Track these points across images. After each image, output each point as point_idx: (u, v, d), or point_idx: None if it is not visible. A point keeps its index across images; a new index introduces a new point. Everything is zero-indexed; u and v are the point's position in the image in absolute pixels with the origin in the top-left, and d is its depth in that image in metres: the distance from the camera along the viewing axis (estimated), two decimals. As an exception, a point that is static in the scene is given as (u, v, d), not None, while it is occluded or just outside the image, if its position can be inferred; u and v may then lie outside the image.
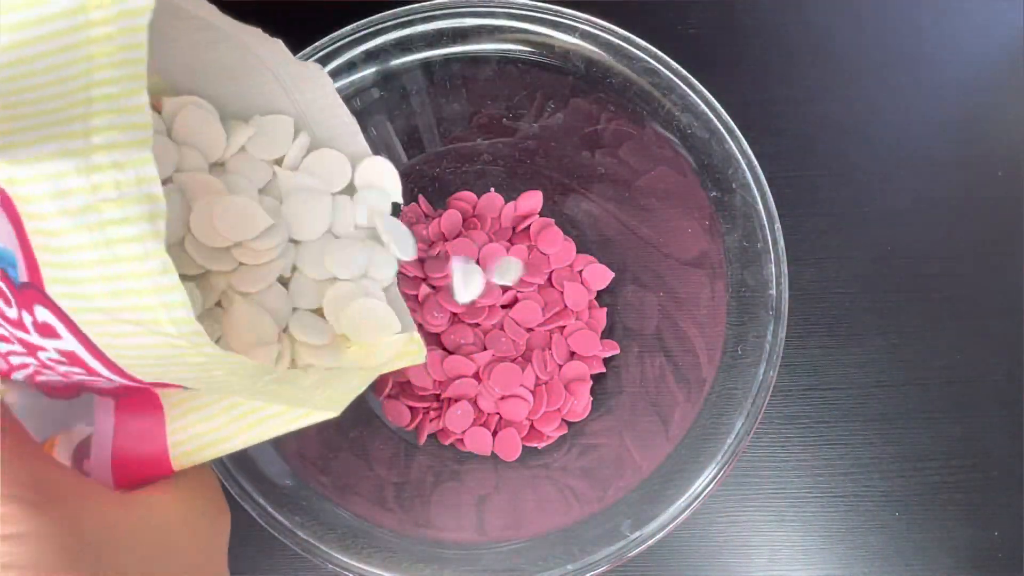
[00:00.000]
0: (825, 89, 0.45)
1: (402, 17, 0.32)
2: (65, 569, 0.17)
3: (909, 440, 0.40)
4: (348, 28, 0.31)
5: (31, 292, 0.16)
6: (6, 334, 0.18)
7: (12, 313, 0.17)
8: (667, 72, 0.31)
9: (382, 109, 0.35)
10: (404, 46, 0.32)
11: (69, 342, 0.17)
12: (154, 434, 0.21)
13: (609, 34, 0.32)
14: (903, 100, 0.45)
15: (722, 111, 0.31)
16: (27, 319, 0.17)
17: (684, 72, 0.31)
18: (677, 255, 0.36)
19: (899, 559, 0.39)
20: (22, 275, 0.16)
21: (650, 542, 0.28)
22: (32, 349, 0.18)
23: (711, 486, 0.29)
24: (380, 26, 0.32)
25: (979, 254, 0.42)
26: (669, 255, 0.36)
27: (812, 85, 0.45)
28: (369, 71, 0.32)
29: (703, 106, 0.31)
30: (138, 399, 0.20)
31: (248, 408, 0.20)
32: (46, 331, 0.17)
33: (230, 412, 0.20)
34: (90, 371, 0.18)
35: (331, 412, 0.20)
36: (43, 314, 0.17)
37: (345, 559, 0.28)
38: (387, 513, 0.31)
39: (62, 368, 0.18)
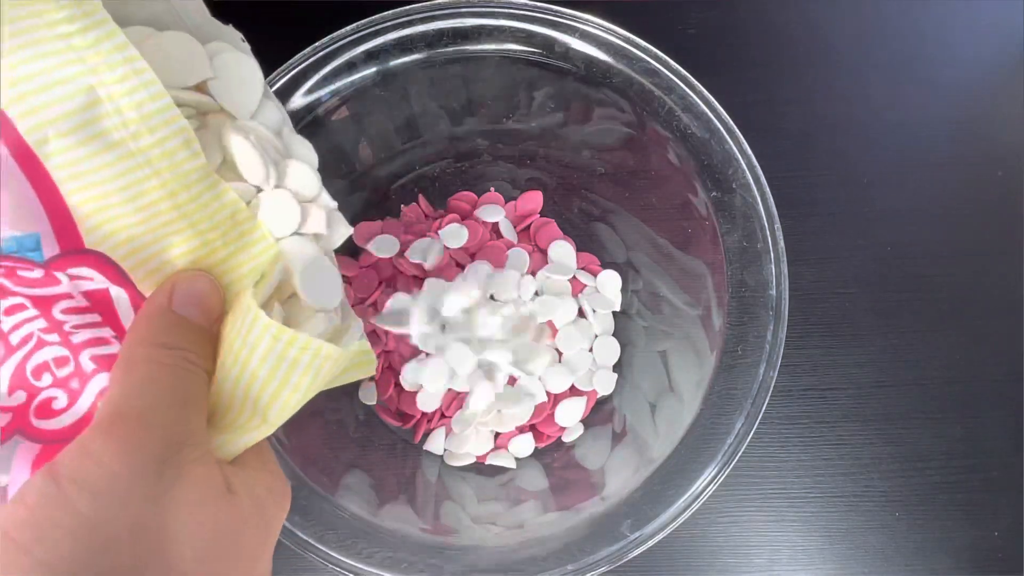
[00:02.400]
0: (825, 89, 0.45)
1: (402, 17, 0.32)
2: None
3: (909, 440, 0.40)
4: (348, 28, 0.31)
5: (60, 262, 0.18)
6: (20, 301, 0.18)
7: (35, 274, 0.18)
8: (667, 72, 0.31)
9: (382, 109, 0.35)
10: (404, 46, 0.32)
11: (101, 283, 0.19)
12: None
13: (609, 34, 0.32)
14: (903, 100, 0.45)
15: (722, 111, 0.31)
16: (59, 274, 0.18)
17: (684, 72, 0.31)
18: (677, 255, 0.36)
19: (899, 559, 0.39)
20: (50, 250, 0.18)
21: (650, 542, 0.28)
22: (48, 303, 0.19)
23: (711, 486, 0.29)
24: (380, 26, 0.31)
25: (979, 254, 0.42)
26: (669, 255, 0.36)
27: (812, 85, 0.45)
28: (369, 71, 0.32)
29: (703, 106, 0.31)
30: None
31: None
32: (80, 276, 0.18)
33: None
34: (109, 317, 0.19)
35: (265, 430, 0.19)
36: (76, 272, 0.18)
37: (345, 559, 0.28)
38: (387, 513, 0.31)
39: (74, 320, 0.19)
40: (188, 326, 0.18)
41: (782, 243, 0.30)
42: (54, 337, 0.19)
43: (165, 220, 0.18)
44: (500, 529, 0.32)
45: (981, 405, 0.40)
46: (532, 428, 0.38)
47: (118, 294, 0.19)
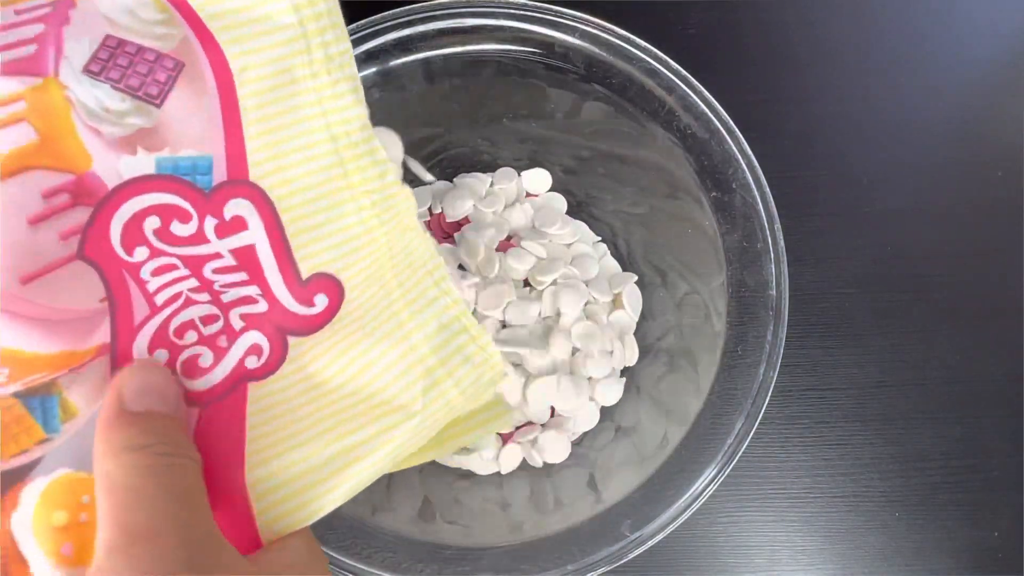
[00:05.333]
0: (825, 89, 0.45)
1: (402, 17, 0.32)
2: None
3: (909, 440, 0.40)
4: (348, 28, 0.31)
5: (225, 189, 0.18)
6: (170, 261, 0.18)
7: (188, 229, 0.18)
8: (667, 72, 0.31)
9: (382, 110, 0.35)
10: (404, 46, 0.32)
11: (253, 233, 0.19)
12: (230, 459, 0.18)
13: (609, 34, 0.32)
14: (903, 100, 0.45)
15: (722, 111, 0.31)
16: (209, 224, 0.18)
17: (684, 72, 0.31)
18: (677, 255, 0.36)
19: (899, 559, 0.39)
20: (219, 176, 0.18)
21: (650, 542, 0.28)
22: (199, 263, 0.18)
23: (711, 486, 0.29)
24: (380, 26, 0.32)
25: (979, 254, 0.42)
26: (669, 255, 0.36)
27: (812, 85, 0.45)
28: (369, 71, 0.32)
29: (703, 106, 0.31)
30: (225, 411, 0.19)
31: (354, 425, 0.18)
32: (232, 226, 0.19)
33: (326, 435, 0.18)
34: (256, 275, 0.19)
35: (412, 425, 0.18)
36: (235, 207, 0.18)
37: (345, 559, 0.28)
38: (387, 513, 0.31)
39: (224, 279, 0.19)
40: (149, 421, 0.17)
41: (782, 243, 0.30)
42: (204, 296, 0.19)
43: (324, 164, 0.19)
44: (500, 529, 0.32)
45: (981, 405, 0.40)
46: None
47: (264, 250, 0.19)
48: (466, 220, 0.39)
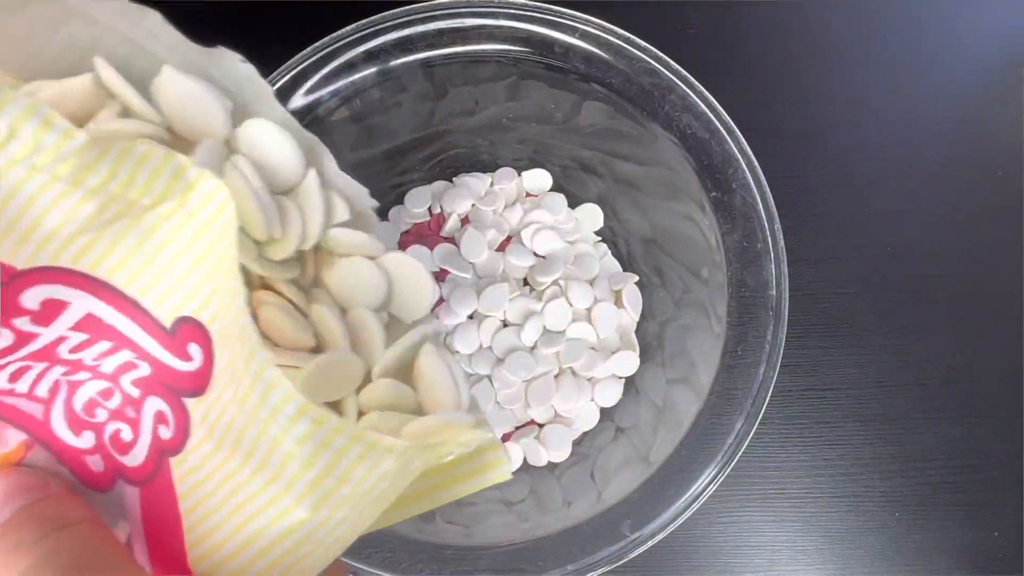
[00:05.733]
0: (825, 89, 0.45)
1: (402, 17, 0.32)
2: None
3: (909, 440, 0.40)
4: (348, 28, 0.31)
5: (10, 288, 0.15)
6: (18, 365, 0.16)
7: (5, 340, 0.16)
8: (667, 72, 0.31)
9: (382, 109, 0.35)
10: (404, 46, 0.32)
11: (82, 303, 0.16)
12: (174, 542, 0.17)
13: (609, 34, 0.32)
14: (903, 100, 0.45)
15: (722, 111, 0.31)
16: (23, 322, 0.16)
17: (684, 72, 0.31)
18: (677, 255, 0.36)
19: (899, 559, 0.39)
20: None
21: (650, 542, 0.28)
22: (48, 352, 0.16)
23: (711, 486, 0.29)
24: (380, 26, 0.32)
25: (979, 254, 0.42)
26: (669, 255, 0.36)
27: (812, 85, 0.45)
28: (369, 71, 0.32)
29: (703, 106, 0.31)
30: (158, 494, 0.17)
31: (264, 501, 0.15)
32: (51, 311, 0.16)
33: (247, 528, 0.15)
34: (118, 339, 0.16)
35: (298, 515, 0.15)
36: (34, 296, 0.16)
37: (345, 559, 0.28)
38: (387, 513, 0.31)
39: (88, 353, 0.16)
40: (19, 522, 0.16)
41: (782, 243, 0.30)
42: (84, 375, 0.17)
43: (103, 217, 0.15)
44: (499, 529, 0.32)
45: (981, 405, 0.40)
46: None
47: (108, 313, 0.16)
48: (466, 220, 0.39)
